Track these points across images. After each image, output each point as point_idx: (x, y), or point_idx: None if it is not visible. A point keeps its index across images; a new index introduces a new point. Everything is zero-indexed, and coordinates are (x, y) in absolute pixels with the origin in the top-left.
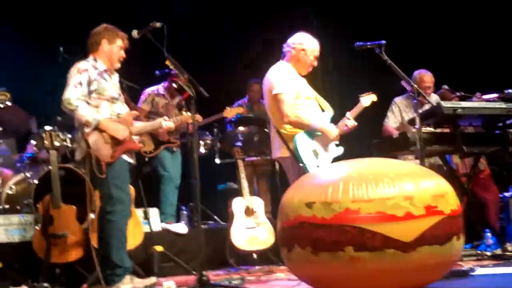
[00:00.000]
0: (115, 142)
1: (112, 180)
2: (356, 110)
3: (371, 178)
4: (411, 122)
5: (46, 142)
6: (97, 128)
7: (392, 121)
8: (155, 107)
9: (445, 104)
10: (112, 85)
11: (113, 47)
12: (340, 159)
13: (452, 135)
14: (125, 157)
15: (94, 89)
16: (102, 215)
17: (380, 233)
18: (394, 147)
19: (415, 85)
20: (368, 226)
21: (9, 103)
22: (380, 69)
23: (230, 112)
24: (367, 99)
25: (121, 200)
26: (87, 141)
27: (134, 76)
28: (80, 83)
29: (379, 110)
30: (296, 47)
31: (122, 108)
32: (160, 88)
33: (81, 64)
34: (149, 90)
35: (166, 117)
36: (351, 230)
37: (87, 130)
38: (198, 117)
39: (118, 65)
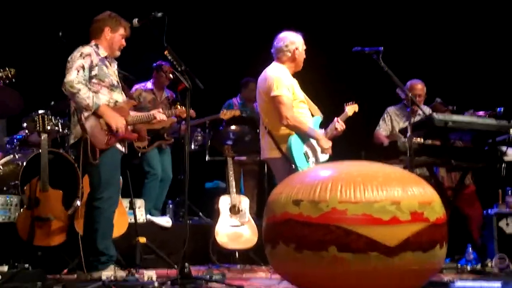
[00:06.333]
0: (111, 129)
1: (103, 167)
2: (342, 117)
3: (360, 180)
4: (403, 131)
5: (38, 125)
6: (95, 114)
7: (383, 129)
8: (143, 102)
9: (437, 116)
10: (112, 72)
11: (115, 35)
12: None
13: (441, 147)
14: (118, 146)
15: (94, 75)
16: (90, 201)
17: (364, 236)
18: (383, 155)
19: (410, 94)
20: (354, 228)
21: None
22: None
23: (227, 114)
24: (351, 109)
25: (110, 187)
26: (83, 125)
27: (130, 66)
28: (83, 67)
29: (371, 119)
30: (290, 48)
31: (120, 96)
32: (148, 83)
33: (84, 49)
34: (137, 85)
35: (160, 109)
36: (336, 230)
37: (85, 114)
38: (192, 112)
39: (118, 54)
